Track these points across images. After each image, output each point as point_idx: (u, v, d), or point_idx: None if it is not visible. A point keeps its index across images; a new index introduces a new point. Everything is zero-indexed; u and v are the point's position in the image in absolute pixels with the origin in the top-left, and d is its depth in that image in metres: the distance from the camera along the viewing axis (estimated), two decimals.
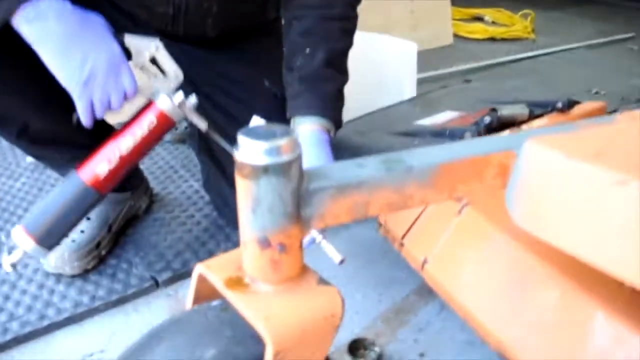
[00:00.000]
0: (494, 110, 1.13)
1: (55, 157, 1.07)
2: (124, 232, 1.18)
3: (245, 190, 0.46)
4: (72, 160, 0.93)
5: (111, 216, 1.13)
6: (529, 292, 0.75)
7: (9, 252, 0.87)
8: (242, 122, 0.59)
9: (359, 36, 0.97)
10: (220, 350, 0.47)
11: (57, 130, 0.99)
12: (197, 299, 0.56)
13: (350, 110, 1.47)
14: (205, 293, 0.56)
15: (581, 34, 2.86)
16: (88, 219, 1.09)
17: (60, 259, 1.03)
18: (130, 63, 0.85)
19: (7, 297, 1.00)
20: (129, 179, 1.18)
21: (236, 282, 0.50)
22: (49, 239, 0.85)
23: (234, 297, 0.49)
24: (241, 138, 0.44)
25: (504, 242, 0.81)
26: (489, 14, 2.97)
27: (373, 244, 1.17)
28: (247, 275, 0.50)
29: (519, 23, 2.86)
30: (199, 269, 0.54)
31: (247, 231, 0.48)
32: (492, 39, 2.76)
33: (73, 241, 1.04)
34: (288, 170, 0.45)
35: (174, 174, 1.42)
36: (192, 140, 1.21)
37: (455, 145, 0.60)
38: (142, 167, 1.28)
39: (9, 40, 0.78)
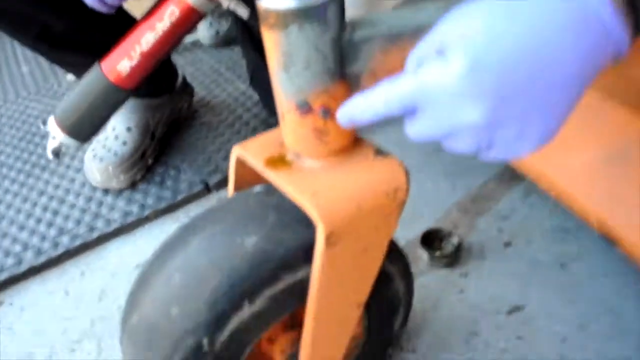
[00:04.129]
0: None
1: (76, 62, 1.02)
2: (169, 139, 1.15)
3: (273, 45, 0.39)
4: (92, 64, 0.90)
5: (151, 123, 1.10)
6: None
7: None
8: None
9: None
10: (263, 236, 0.43)
11: (77, 31, 0.96)
12: (238, 187, 0.52)
13: None
14: (247, 179, 0.51)
15: None
16: (128, 129, 1.07)
17: (105, 173, 1.02)
18: None
19: (55, 212, 1.01)
20: (162, 81, 1.14)
21: (278, 161, 0.45)
22: (80, 132, 0.86)
23: (275, 177, 0.44)
24: None
25: (603, 105, 0.72)
26: None
27: None
28: (289, 152, 0.45)
29: None
30: (237, 151, 0.49)
31: (283, 97, 0.42)
32: None
33: (115, 154, 1.03)
34: (323, 14, 0.38)
35: (219, 77, 1.38)
36: (237, 38, 1.14)
37: None
38: (183, 73, 1.23)
39: None
